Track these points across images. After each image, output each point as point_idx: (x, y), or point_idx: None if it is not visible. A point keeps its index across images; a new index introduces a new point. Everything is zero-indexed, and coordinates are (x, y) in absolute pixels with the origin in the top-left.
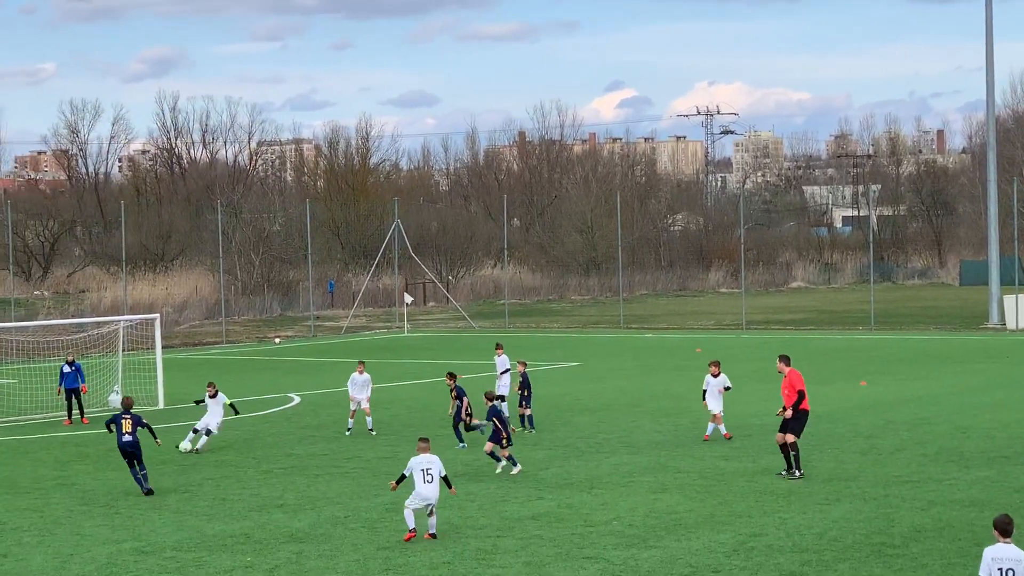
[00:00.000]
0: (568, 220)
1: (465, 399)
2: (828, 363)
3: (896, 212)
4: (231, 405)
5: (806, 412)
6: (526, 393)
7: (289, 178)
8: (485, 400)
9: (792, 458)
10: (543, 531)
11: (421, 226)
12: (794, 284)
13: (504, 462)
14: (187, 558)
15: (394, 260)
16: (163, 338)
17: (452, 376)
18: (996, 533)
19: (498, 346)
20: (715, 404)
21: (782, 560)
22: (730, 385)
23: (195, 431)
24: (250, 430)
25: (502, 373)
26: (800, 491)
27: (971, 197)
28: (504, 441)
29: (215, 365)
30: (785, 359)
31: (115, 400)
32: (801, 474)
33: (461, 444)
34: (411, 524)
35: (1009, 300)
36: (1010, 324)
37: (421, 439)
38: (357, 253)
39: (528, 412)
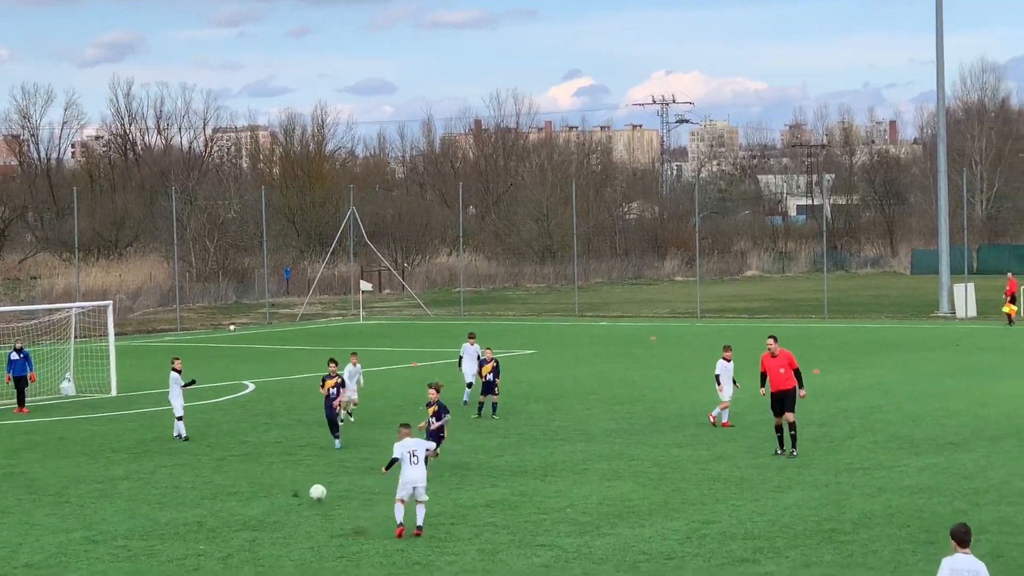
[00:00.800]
0: (524, 208)
1: (446, 417)
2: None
3: (849, 201)
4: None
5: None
6: (495, 381)
7: (245, 165)
8: (432, 392)
9: (791, 437)
10: (497, 518)
11: (377, 214)
12: (749, 273)
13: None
14: (139, 547)
15: (350, 247)
16: (116, 325)
17: (438, 389)
18: (954, 543)
19: (470, 335)
20: (729, 389)
21: (734, 547)
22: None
23: (180, 417)
24: (204, 418)
25: (469, 361)
26: (752, 478)
27: (922, 187)
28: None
29: (169, 352)
30: (775, 338)
31: (67, 388)
32: (796, 452)
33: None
34: (400, 518)
35: (959, 289)
36: (960, 313)
37: (402, 425)
38: (313, 240)
39: (495, 399)
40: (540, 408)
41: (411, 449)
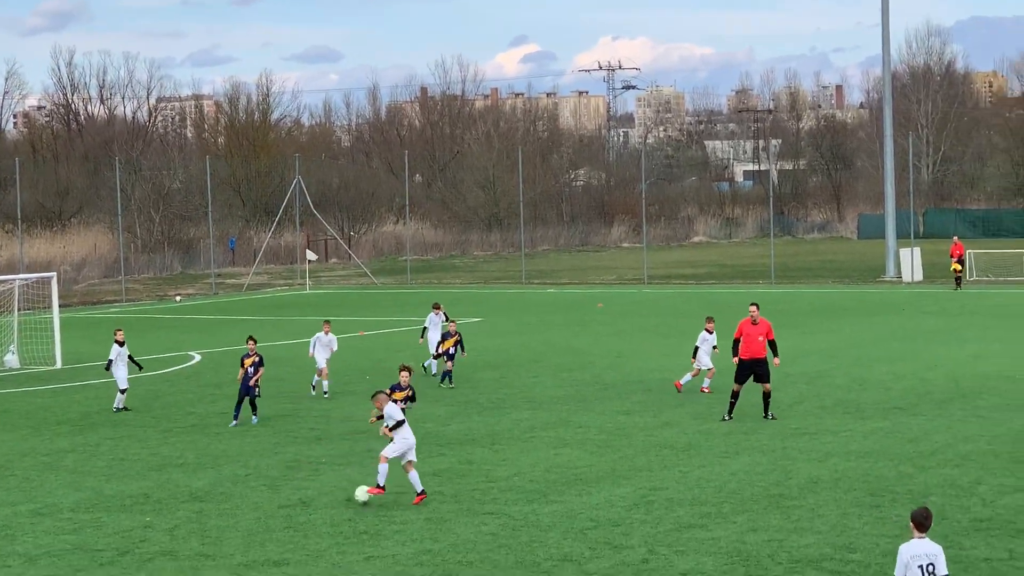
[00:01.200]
0: (470, 176)
1: (412, 405)
2: (729, 317)
3: (796, 167)
4: (131, 358)
5: None
6: (455, 352)
7: (189, 135)
8: (405, 374)
9: (766, 404)
10: (444, 487)
11: (323, 183)
12: (696, 239)
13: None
14: (85, 519)
15: (295, 217)
16: (61, 297)
17: (411, 371)
18: (912, 527)
19: (435, 305)
20: (707, 359)
21: (682, 513)
22: (716, 344)
23: (124, 390)
24: (150, 389)
25: (434, 331)
26: (700, 444)
27: (869, 152)
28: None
29: (114, 324)
30: (758, 305)
31: (11, 361)
32: (774, 416)
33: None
34: (382, 480)
35: (905, 253)
36: (906, 277)
37: (391, 391)
38: (258, 210)
39: (449, 366)
40: (487, 376)
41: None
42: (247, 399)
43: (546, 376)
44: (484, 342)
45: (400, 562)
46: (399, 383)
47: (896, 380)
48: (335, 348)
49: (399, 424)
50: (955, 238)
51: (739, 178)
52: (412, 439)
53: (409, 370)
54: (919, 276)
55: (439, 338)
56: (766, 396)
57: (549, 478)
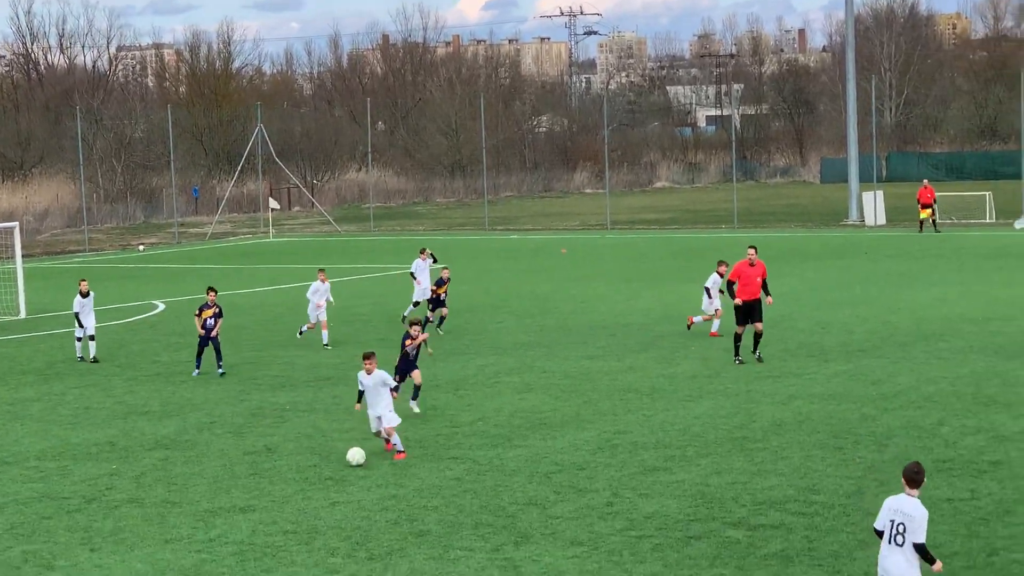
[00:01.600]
0: (432, 123)
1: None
2: (692, 262)
3: (759, 111)
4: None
5: None
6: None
7: (150, 84)
8: (415, 329)
9: (757, 343)
10: (409, 432)
11: (285, 131)
12: (658, 184)
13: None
14: (51, 467)
15: (258, 166)
16: (23, 247)
17: (422, 325)
18: (904, 482)
19: (422, 251)
20: (717, 301)
21: (646, 456)
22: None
23: (79, 339)
24: (115, 338)
25: (423, 277)
26: (664, 388)
27: (831, 96)
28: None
29: (78, 274)
30: (756, 248)
31: None
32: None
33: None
34: (399, 445)
35: (868, 197)
36: (869, 220)
37: (366, 357)
38: (221, 159)
39: (444, 312)
40: (451, 322)
41: (381, 382)
42: (208, 349)
43: (510, 322)
44: (447, 288)
45: (365, 508)
46: (408, 334)
47: (859, 323)
48: (331, 299)
49: (361, 395)
50: (925, 182)
51: (702, 123)
52: (376, 408)
53: (420, 324)
54: (882, 220)
55: (428, 284)
56: (758, 336)
57: (514, 423)
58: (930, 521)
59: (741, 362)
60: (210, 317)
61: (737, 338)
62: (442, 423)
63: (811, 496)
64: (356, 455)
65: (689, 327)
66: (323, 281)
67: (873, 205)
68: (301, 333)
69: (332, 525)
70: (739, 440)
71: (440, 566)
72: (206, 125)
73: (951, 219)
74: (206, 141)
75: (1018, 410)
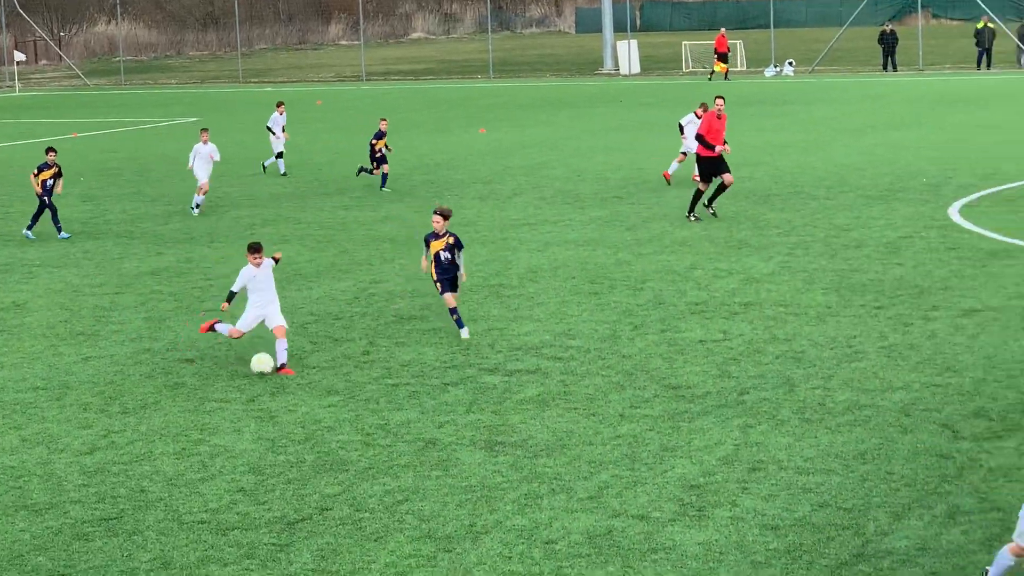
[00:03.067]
0: None
1: (460, 255)
2: (448, 112)
3: None
4: None
5: None
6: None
7: None
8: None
9: (718, 194)
10: (163, 286)
11: None
12: (414, 35)
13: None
14: None
15: (0, 17)
16: None
17: (446, 216)
18: None
19: (279, 104)
20: (692, 142)
21: (402, 305)
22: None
23: None
24: None
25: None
26: (417, 239)
27: None
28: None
29: None
30: (724, 99)
31: None
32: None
33: None
34: (277, 358)
35: (622, 46)
36: (623, 69)
37: (254, 249)
38: None
39: (386, 169)
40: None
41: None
42: (48, 211)
43: (266, 175)
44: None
45: (118, 362)
46: (434, 231)
47: (613, 170)
48: (217, 158)
49: (232, 296)
50: (722, 30)
51: None
52: (263, 306)
53: (444, 215)
54: (636, 68)
55: (281, 135)
56: (725, 187)
57: None
58: (684, 362)
59: (696, 219)
60: (49, 178)
61: (699, 194)
62: (197, 276)
63: (567, 341)
64: (263, 362)
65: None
66: (206, 143)
67: (628, 54)
68: (196, 208)
69: (84, 380)
70: (495, 287)
71: (196, 418)
72: None
73: (703, 67)
74: None
75: (768, 252)
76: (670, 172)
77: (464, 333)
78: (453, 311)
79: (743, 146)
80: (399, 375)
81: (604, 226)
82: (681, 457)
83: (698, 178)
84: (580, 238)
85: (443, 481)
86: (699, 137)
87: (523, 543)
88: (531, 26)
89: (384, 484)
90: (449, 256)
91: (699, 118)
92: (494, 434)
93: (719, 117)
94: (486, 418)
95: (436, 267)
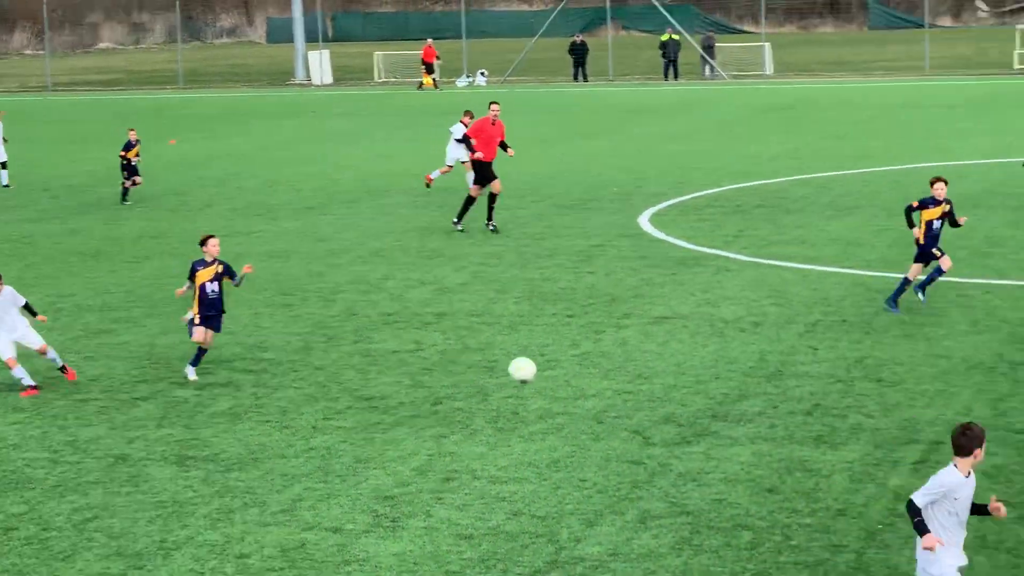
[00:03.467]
0: None
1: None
2: (136, 124)
3: None
4: None
5: None
6: None
7: None
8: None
9: (492, 208)
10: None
11: None
12: (102, 45)
13: None
14: None
15: None
16: None
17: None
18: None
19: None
20: (455, 153)
21: (91, 319)
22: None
23: None
24: None
25: None
26: (108, 251)
27: None
28: None
29: None
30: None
31: None
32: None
33: None
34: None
35: (314, 56)
36: (315, 80)
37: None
38: None
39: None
40: None
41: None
42: None
43: None
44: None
45: None
46: (202, 259)
47: (306, 181)
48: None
49: None
50: (429, 41)
51: None
52: (13, 330)
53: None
54: (328, 79)
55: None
56: (495, 196)
57: None
58: (377, 373)
59: (461, 230)
60: None
61: (471, 201)
62: None
63: (259, 353)
64: (526, 369)
65: (428, 185)
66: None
67: (319, 65)
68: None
69: None
70: (187, 300)
71: None
72: None
73: (395, 77)
74: None
75: (461, 262)
76: (433, 176)
77: (191, 374)
78: (202, 353)
79: (434, 156)
80: (87, 390)
81: (296, 237)
82: (375, 468)
83: (474, 186)
84: (272, 250)
85: (133, 497)
86: (467, 139)
87: (215, 558)
88: (222, 36)
89: (72, 502)
90: (216, 290)
91: (466, 126)
92: (185, 448)
93: (493, 123)
94: (177, 432)
95: (200, 302)
